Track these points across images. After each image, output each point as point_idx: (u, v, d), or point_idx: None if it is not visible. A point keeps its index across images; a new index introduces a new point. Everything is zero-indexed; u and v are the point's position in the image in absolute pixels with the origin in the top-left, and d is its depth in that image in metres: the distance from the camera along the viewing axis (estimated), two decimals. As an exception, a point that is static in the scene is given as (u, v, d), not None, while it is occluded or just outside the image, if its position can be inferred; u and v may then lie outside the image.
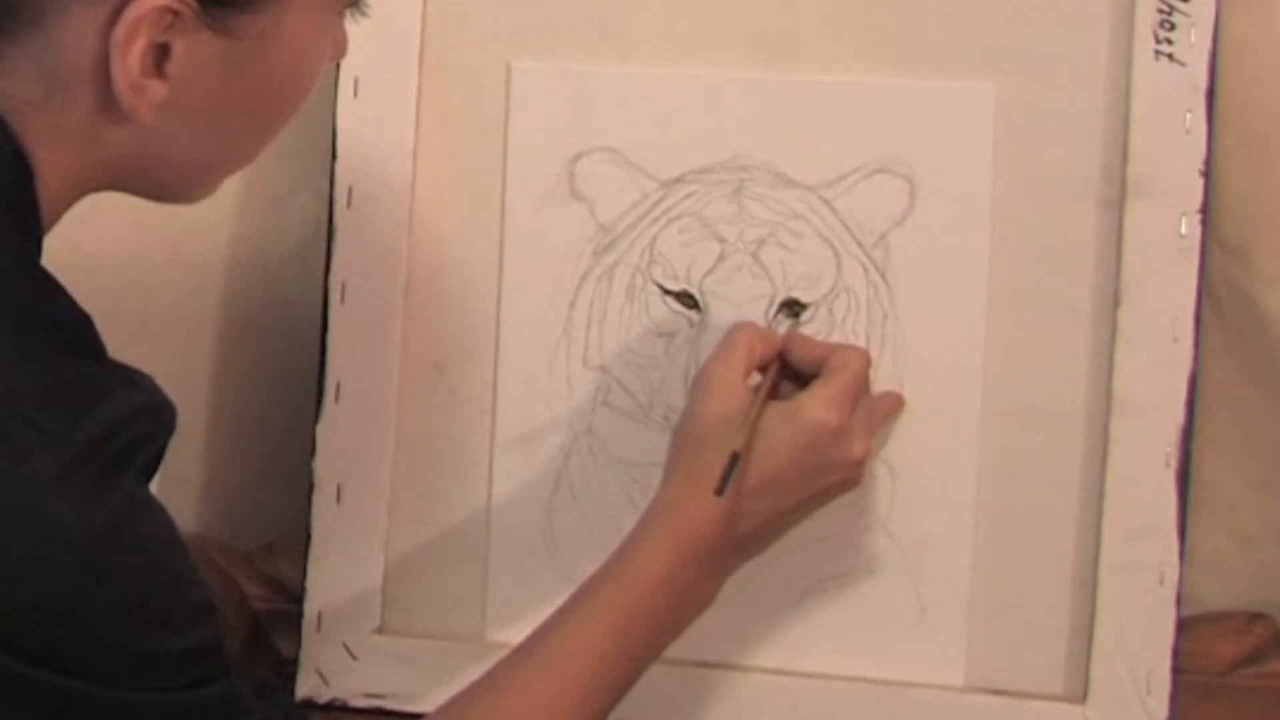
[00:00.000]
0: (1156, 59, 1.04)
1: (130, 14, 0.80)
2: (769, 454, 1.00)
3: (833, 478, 1.03)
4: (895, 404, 1.06)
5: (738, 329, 1.04)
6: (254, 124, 0.89)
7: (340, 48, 0.93)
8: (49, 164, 0.84)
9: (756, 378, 1.03)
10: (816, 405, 1.01)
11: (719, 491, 0.97)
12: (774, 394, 1.03)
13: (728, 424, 0.99)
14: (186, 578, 0.83)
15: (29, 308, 0.81)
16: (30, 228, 0.83)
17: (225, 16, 0.83)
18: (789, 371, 1.04)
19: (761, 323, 1.07)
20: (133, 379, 0.83)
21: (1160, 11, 1.03)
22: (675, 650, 1.00)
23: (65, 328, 0.82)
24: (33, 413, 0.78)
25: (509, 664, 0.95)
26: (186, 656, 0.82)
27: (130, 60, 0.81)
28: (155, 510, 0.82)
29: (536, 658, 0.94)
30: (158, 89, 0.83)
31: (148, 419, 0.82)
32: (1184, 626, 1.05)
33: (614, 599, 0.96)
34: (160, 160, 0.87)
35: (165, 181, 0.90)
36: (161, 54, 0.82)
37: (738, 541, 1.01)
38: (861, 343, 1.06)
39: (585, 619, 0.95)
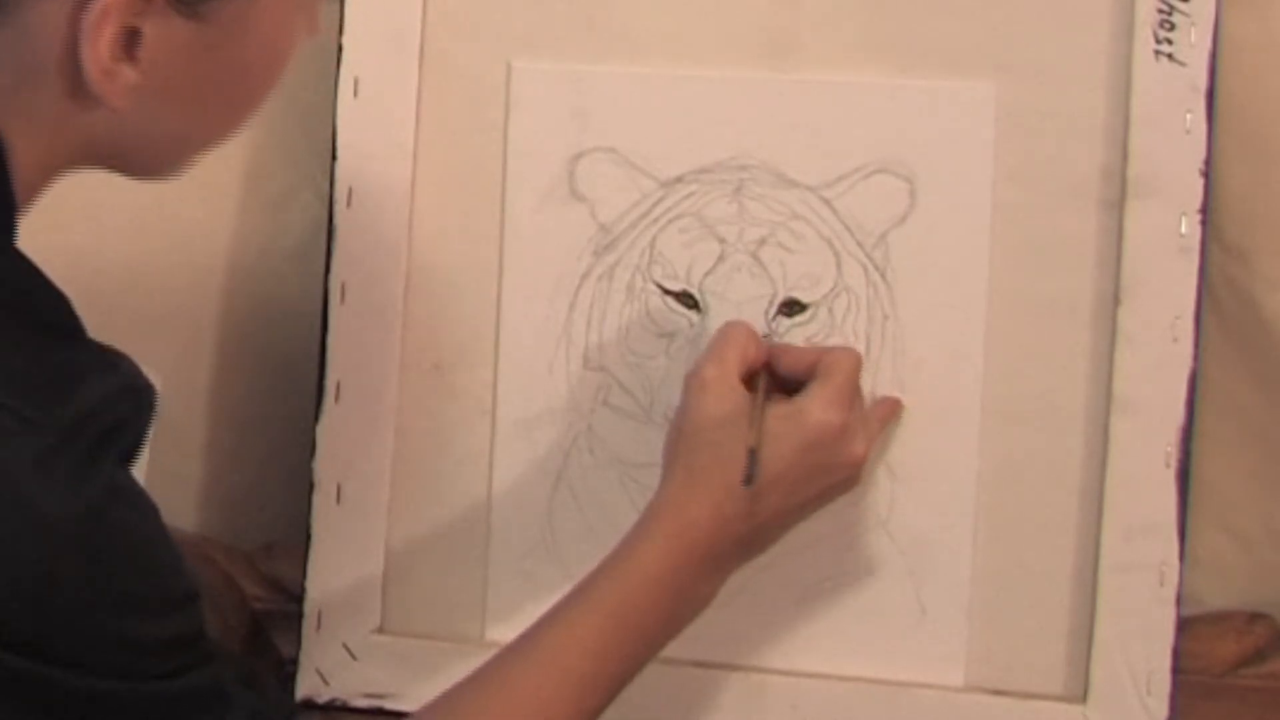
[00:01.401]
0: (1156, 59, 1.04)
1: None
2: (775, 454, 0.99)
3: (835, 477, 1.03)
4: (893, 408, 1.06)
5: (729, 329, 1.04)
6: (228, 105, 0.88)
7: (313, 26, 0.91)
8: (22, 146, 0.83)
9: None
10: (818, 406, 1.00)
11: (747, 482, 0.97)
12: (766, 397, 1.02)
13: (725, 424, 0.99)
14: (168, 564, 0.82)
15: (3, 288, 0.81)
16: (3, 209, 0.82)
17: (195, 1, 0.82)
18: (775, 378, 1.04)
19: (761, 323, 1.07)
20: (111, 361, 0.82)
21: (1160, 11, 1.03)
22: (675, 650, 1.00)
23: (41, 308, 0.82)
24: (9, 397, 0.77)
25: (502, 660, 0.95)
26: (168, 644, 0.81)
27: (100, 46, 0.80)
28: (137, 495, 0.81)
29: (530, 655, 0.94)
30: (129, 74, 0.82)
31: (127, 401, 0.81)
32: (1184, 626, 1.05)
33: (610, 597, 0.96)
34: (135, 139, 0.86)
35: (141, 160, 0.89)
36: (132, 39, 0.81)
37: (742, 542, 1.01)
38: (861, 343, 1.06)
39: (580, 616, 0.95)
